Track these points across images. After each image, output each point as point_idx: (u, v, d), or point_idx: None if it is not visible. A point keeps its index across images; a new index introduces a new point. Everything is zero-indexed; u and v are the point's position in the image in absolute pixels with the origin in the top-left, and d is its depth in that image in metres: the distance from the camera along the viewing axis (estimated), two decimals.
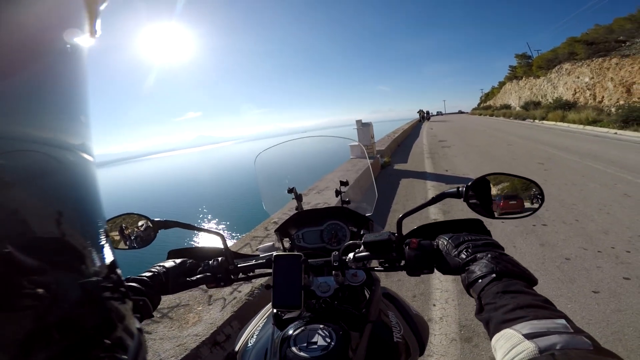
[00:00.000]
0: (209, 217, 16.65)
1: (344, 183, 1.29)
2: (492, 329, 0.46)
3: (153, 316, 0.69)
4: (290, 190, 1.21)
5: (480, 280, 0.54)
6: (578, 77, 22.75)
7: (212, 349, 1.72)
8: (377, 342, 0.75)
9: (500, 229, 3.59)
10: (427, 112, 45.38)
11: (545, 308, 0.45)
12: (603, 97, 19.31)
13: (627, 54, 17.92)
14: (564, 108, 20.63)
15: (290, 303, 0.70)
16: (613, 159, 6.97)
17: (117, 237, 0.81)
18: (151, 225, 0.81)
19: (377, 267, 0.78)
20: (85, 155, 0.33)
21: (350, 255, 0.77)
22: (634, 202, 4.15)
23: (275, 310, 0.76)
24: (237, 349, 0.84)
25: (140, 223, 0.82)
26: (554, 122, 18.91)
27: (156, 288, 0.72)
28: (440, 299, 2.54)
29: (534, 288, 0.52)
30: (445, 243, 0.67)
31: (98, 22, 0.35)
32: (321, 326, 0.67)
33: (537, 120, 22.04)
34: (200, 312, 1.92)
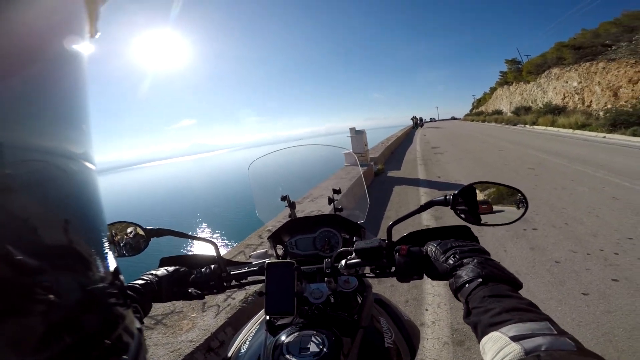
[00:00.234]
0: (204, 226, 16.49)
1: (336, 191, 1.29)
2: (480, 332, 0.47)
3: (143, 323, 0.69)
4: (284, 198, 1.21)
5: (467, 285, 0.56)
6: (567, 82, 23.10)
7: (206, 354, 1.72)
8: (369, 348, 0.75)
9: (491, 234, 3.63)
10: (421, 119, 45.73)
11: (529, 311, 0.46)
12: (591, 101, 19.64)
13: (613, 58, 18.25)
14: (553, 113, 20.90)
15: (283, 310, 0.71)
16: (601, 162, 7.10)
17: None
18: (143, 234, 0.82)
19: (368, 273, 0.79)
20: (88, 164, 0.34)
21: (343, 262, 0.78)
22: (622, 205, 4.23)
23: (267, 317, 0.77)
24: (229, 355, 0.84)
25: (130, 230, 0.83)
26: (544, 127, 19.17)
27: (148, 295, 0.73)
28: (432, 304, 2.56)
29: (520, 292, 0.53)
30: (434, 249, 0.69)
31: (98, 23, 0.36)
32: (313, 332, 0.68)
33: (528, 126, 22.28)
34: (195, 319, 1.92)
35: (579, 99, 21.20)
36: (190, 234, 0.84)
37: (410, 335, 0.92)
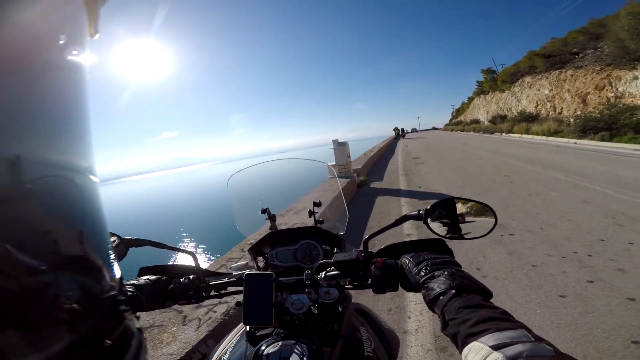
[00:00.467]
0: (187, 241, 16.15)
1: (316, 204, 1.29)
2: (460, 343, 0.48)
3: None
4: (264, 211, 1.21)
5: (441, 297, 0.57)
6: (539, 90, 24.07)
7: None
8: (349, 357, 0.76)
9: (471, 241, 3.70)
10: (402, 130, 46.61)
11: (505, 320, 0.48)
12: (562, 108, 20.52)
13: (580, 66, 19.16)
14: (527, 120, 21.73)
15: (260, 319, 0.71)
16: (573, 168, 7.40)
17: None
18: (121, 243, 0.81)
19: (347, 285, 0.81)
20: (93, 177, 0.36)
21: (322, 274, 0.79)
22: (593, 208, 4.40)
23: (248, 327, 0.77)
24: None
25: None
26: (519, 135, 19.87)
27: (130, 304, 0.73)
28: (415, 311, 2.58)
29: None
30: (407, 262, 0.71)
31: (98, 23, 0.37)
32: (293, 342, 0.69)
33: (504, 134, 23.03)
34: (175, 332, 1.90)
35: (550, 106, 22.12)
36: (168, 245, 0.84)
37: (390, 344, 0.94)
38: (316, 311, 0.82)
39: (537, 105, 24.09)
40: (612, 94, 15.45)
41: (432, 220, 0.78)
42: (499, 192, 6.08)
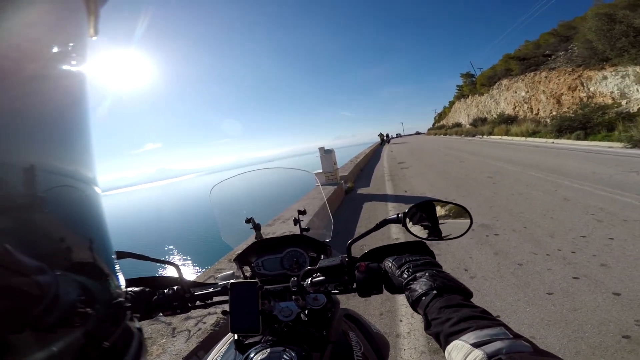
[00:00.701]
0: (174, 255, 15.84)
1: (301, 212, 1.31)
2: (443, 342, 0.49)
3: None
4: (248, 220, 1.21)
5: (423, 298, 0.59)
6: (516, 92, 24.87)
7: None
8: None
9: (458, 242, 3.74)
10: (387, 135, 47.24)
11: (484, 318, 0.49)
12: (539, 109, 21.24)
13: (553, 67, 19.90)
14: (507, 122, 22.37)
15: (248, 327, 0.71)
16: (552, 167, 7.63)
17: None
18: None
19: (334, 290, 0.82)
20: (97, 188, 0.37)
21: (309, 280, 0.80)
22: (573, 205, 4.54)
23: (236, 336, 0.77)
24: None
25: None
26: (499, 137, 20.45)
27: (129, 305, 0.71)
28: (406, 314, 2.58)
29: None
30: (390, 265, 0.73)
31: (99, 23, 0.36)
32: (282, 349, 0.69)
33: (485, 136, 23.65)
34: (164, 344, 1.87)
35: (527, 107, 22.87)
36: (151, 257, 0.84)
37: (379, 347, 0.95)
38: (305, 318, 0.82)
39: (515, 107, 24.86)
40: (585, 94, 16.10)
41: (413, 223, 0.80)
42: (483, 193, 6.19)
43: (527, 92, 22.82)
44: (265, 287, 0.79)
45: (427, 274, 0.63)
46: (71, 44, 0.33)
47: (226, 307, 0.74)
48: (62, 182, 0.31)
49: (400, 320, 2.51)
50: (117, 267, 0.40)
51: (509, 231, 4.00)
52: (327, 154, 9.22)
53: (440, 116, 68.08)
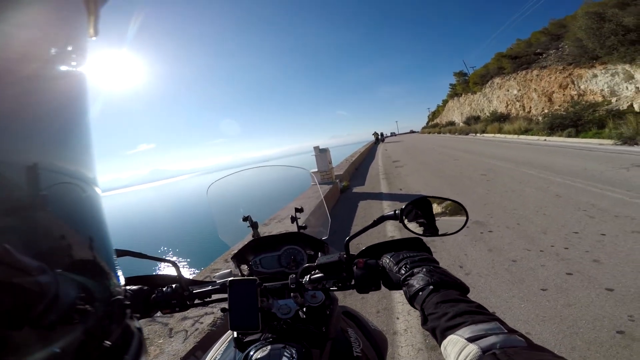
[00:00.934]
0: (168, 256, 15.75)
1: (298, 210, 1.31)
2: (439, 336, 0.50)
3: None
4: (245, 219, 1.20)
5: (420, 293, 0.59)
6: (508, 90, 25.05)
7: None
8: (338, 358, 0.78)
9: (452, 239, 3.77)
10: (382, 134, 47.33)
11: (480, 313, 0.50)
12: (531, 107, 21.44)
13: (544, 65, 20.04)
14: (499, 120, 22.54)
15: (247, 324, 0.71)
16: (544, 164, 7.72)
17: None
18: None
19: (332, 287, 0.82)
20: (97, 188, 0.37)
21: (307, 277, 0.81)
22: (565, 202, 4.59)
23: (235, 334, 0.77)
24: None
25: None
26: (492, 135, 20.60)
27: (129, 305, 0.71)
28: (403, 312, 2.59)
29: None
30: (387, 261, 0.73)
31: (98, 23, 0.36)
32: (282, 346, 0.69)
33: (478, 134, 23.81)
34: (162, 345, 1.87)
35: (520, 105, 23.07)
36: (149, 255, 0.84)
37: (378, 344, 0.96)
38: (304, 315, 0.83)
39: (508, 105, 25.06)
40: (575, 92, 16.28)
41: (409, 220, 0.81)
42: (477, 190, 6.24)
43: (519, 90, 23.01)
44: (264, 284, 0.79)
45: (424, 269, 0.64)
46: (71, 44, 0.33)
47: (225, 305, 0.74)
48: (63, 181, 0.31)
49: (397, 318, 2.53)
50: (117, 266, 0.40)
51: (502, 228, 4.03)
52: (322, 153, 9.22)
53: (434, 115, 68.45)
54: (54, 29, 0.31)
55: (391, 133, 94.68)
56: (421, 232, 0.81)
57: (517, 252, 3.30)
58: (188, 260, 14.10)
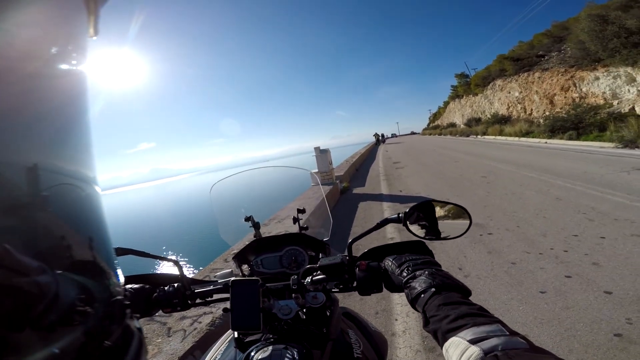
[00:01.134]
0: (169, 255, 15.74)
1: (300, 211, 1.31)
2: (441, 338, 0.50)
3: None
4: (247, 219, 1.20)
5: (422, 295, 0.59)
6: (509, 92, 25.02)
7: None
8: (338, 359, 0.77)
9: (452, 241, 3.77)
10: (382, 135, 47.32)
11: (481, 315, 0.50)
12: (532, 109, 21.42)
13: (546, 68, 20.01)
14: (500, 122, 22.50)
15: (248, 324, 0.71)
16: (545, 166, 7.71)
17: None
18: None
19: (334, 289, 0.83)
20: (97, 187, 0.37)
21: (309, 278, 0.81)
22: (565, 205, 4.59)
23: (236, 334, 0.77)
24: None
25: None
26: (493, 137, 20.57)
27: (129, 305, 0.72)
28: (402, 313, 2.59)
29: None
30: (390, 263, 0.74)
31: (98, 23, 0.36)
32: (283, 347, 0.69)
33: (479, 136, 23.76)
34: (160, 344, 1.87)
35: (521, 108, 23.05)
36: (151, 253, 0.84)
37: (378, 345, 0.95)
38: (304, 316, 0.83)
39: (509, 108, 25.04)
40: (577, 95, 16.27)
41: (412, 222, 0.81)
42: (477, 192, 6.24)
43: (521, 92, 22.99)
44: (265, 285, 0.79)
45: (426, 272, 0.64)
46: (72, 43, 0.34)
47: (226, 304, 0.75)
48: (63, 181, 0.31)
49: (395, 319, 2.53)
50: (117, 266, 0.40)
51: (502, 230, 4.04)
52: (322, 154, 9.22)
53: (435, 116, 68.38)
54: (54, 28, 0.31)
55: (392, 134, 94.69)
56: (424, 236, 0.81)
57: (517, 255, 3.30)
58: (187, 259, 14.12)
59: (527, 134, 16.33)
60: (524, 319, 2.26)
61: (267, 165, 1.65)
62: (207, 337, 1.94)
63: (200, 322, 2.05)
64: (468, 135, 26.86)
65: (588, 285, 2.53)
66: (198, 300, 0.86)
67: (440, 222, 0.83)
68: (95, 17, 0.36)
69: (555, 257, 3.11)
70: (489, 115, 27.49)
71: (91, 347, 0.30)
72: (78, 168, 0.34)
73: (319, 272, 0.81)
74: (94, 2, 0.35)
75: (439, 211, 0.84)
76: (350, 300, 2.72)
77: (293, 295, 0.79)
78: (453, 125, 42.75)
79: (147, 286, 0.85)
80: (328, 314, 0.87)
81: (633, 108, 11.80)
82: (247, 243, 1.13)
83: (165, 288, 0.84)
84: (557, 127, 13.10)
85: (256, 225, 1.22)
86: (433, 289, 0.59)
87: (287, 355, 0.67)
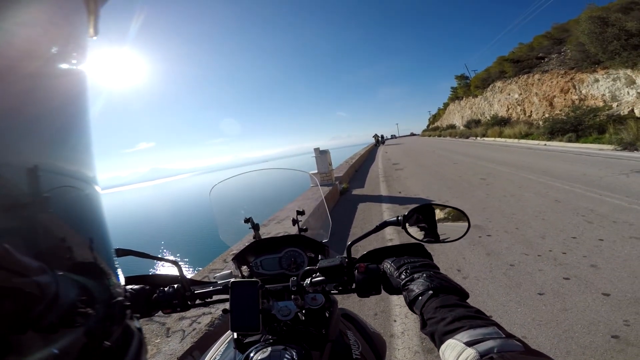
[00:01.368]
0: (168, 255, 15.74)
1: (300, 212, 1.31)
2: (438, 341, 0.51)
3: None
4: (247, 220, 1.21)
5: (420, 298, 0.60)
6: (509, 94, 25.04)
7: None
8: None
9: (451, 243, 3.78)
10: (382, 136, 47.35)
11: (478, 318, 0.50)
12: (531, 111, 21.44)
13: (546, 70, 20.04)
14: (500, 124, 22.51)
15: (248, 325, 0.72)
16: (544, 168, 7.73)
17: None
18: None
19: (333, 290, 0.83)
20: (97, 187, 0.37)
21: (308, 280, 0.81)
22: (564, 207, 4.60)
23: (235, 335, 0.78)
24: None
25: None
26: (493, 138, 20.58)
27: (129, 305, 0.72)
28: (400, 315, 2.60)
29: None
30: (388, 266, 0.75)
31: (98, 23, 0.36)
32: (282, 348, 0.70)
33: (478, 138, 23.77)
34: (159, 344, 1.87)
35: (520, 110, 23.07)
36: (151, 254, 0.85)
37: (377, 347, 0.96)
38: (303, 317, 0.83)
39: (508, 109, 25.06)
40: (576, 97, 16.30)
41: (411, 225, 0.81)
42: (476, 194, 6.25)
43: (521, 94, 23.02)
44: (265, 286, 0.80)
45: (424, 275, 0.65)
46: (72, 43, 0.33)
47: (226, 305, 0.75)
48: (63, 181, 0.31)
49: (394, 321, 2.53)
50: (117, 266, 0.40)
51: (501, 232, 4.04)
52: (322, 155, 9.22)
53: (435, 118, 68.43)
54: (54, 28, 0.31)
55: (391, 135, 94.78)
56: (422, 238, 0.82)
57: (515, 257, 3.31)
58: (187, 259, 14.11)
59: (526, 135, 16.35)
60: (522, 321, 2.26)
61: (267, 168, 1.66)
62: (206, 338, 1.94)
63: (199, 323, 2.05)
64: (467, 137, 26.88)
65: (586, 287, 2.54)
66: (198, 301, 0.87)
67: (439, 225, 0.83)
68: (95, 17, 0.36)
69: (553, 259, 3.12)
70: (488, 117, 27.52)
71: (91, 347, 0.30)
72: (78, 168, 0.34)
73: (318, 273, 0.81)
74: (94, 2, 0.35)
75: (438, 213, 0.84)
76: (349, 302, 2.72)
77: (292, 296, 0.79)
78: (452, 126, 42.78)
79: (147, 287, 0.85)
80: (327, 315, 0.87)
81: (632, 110, 11.82)
82: (246, 244, 1.13)
83: (165, 289, 0.84)
84: (556, 129, 13.11)
85: (256, 227, 1.22)
86: (431, 292, 0.59)
87: (286, 356, 0.67)
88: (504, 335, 0.45)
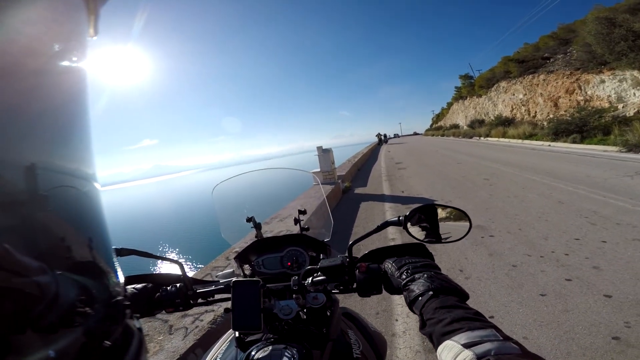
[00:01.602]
0: (169, 253, 15.79)
1: (302, 212, 1.32)
2: (436, 341, 0.51)
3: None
4: (249, 219, 1.21)
5: (420, 298, 0.60)
6: (514, 94, 24.82)
7: None
8: (338, 359, 0.79)
9: (453, 242, 3.78)
10: (385, 135, 47.28)
11: (477, 320, 0.51)
12: (536, 112, 21.27)
13: (552, 70, 19.85)
14: (504, 124, 22.36)
15: (249, 324, 0.72)
16: (548, 170, 7.69)
17: None
18: None
19: (334, 289, 0.84)
20: (96, 184, 0.37)
21: (309, 279, 0.81)
22: (567, 208, 4.58)
23: (237, 333, 0.78)
24: None
25: None
26: (497, 139, 20.47)
27: (129, 305, 0.73)
28: (402, 314, 2.60)
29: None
30: (390, 266, 0.75)
31: (99, 23, 0.36)
32: (283, 346, 0.70)
33: (482, 138, 23.66)
34: (162, 342, 1.87)
35: (525, 110, 22.90)
36: (154, 254, 0.85)
37: (377, 346, 0.97)
38: (304, 316, 0.84)
39: (513, 110, 24.88)
40: (582, 98, 16.16)
41: (412, 225, 0.81)
42: (479, 194, 6.23)
43: (525, 94, 22.84)
44: (267, 285, 0.80)
45: (425, 275, 0.65)
46: (72, 43, 0.34)
47: (228, 304, 0.76)
48: (62, 179, 0.31)
49: (396, 320, 2.54)
50: (116, 265, 0.40)
51: (504, 233, 4.04)
52: (325, 153, 9.22)
53: (438, 117, 68.15)
54: (55, 26, 0.31)
55: (394, 135, 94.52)
56: (424, 238, 0.82)
57: (518, 257, 3.30)
58: (189, 256, 14.16)
59: (530, 136, 16.27)
60: (523, 321, 2.26)
61: (269, 167, 1.66)
62: (209, 335, 1.94)
63: (201, 320, 2.06)
64: (471, 137, 26.78)
65: (588, 289, 2.54)
66: (200, 300, 0.87)
67: (440, 225, 0.83)
68: (96, 17, 0.36)
69: (556, 260, 3.11)
70: (492, 117, 27.34)
71: (91, 347, 0.30)
72: (78, 166, 0.34)
73: (319, 273, 0.81)
74: (94, 2, 0.35)
75: (440, 213, 0.84)
76: (351, 301, 2.73)
77: (294, 295, 0.80)
78: (456, 126, 42.57)
79: (150, 286, 0.86)
80: (328, 314, 0.87)
81: (638, 112, 11.73)
82: (248, 242, 1.14)
83: (168, 288, 0.85)
84: (561, 130, 13.03)
85: (258, 226, 1.22)
86: (431, 292, 0.59)
87: (287, 354, 0.68)
88: (501, 338, 0.45)
